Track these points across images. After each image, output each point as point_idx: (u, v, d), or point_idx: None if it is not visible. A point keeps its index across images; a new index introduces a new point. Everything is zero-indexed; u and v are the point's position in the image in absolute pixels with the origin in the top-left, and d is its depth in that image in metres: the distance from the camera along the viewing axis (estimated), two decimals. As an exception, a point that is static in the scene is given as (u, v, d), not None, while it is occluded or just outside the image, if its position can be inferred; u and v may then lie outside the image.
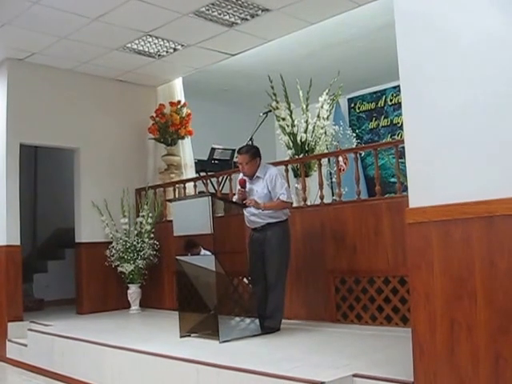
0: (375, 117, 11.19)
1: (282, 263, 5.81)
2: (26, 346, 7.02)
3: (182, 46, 7.76)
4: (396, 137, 10.38)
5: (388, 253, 5.69)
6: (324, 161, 7.16)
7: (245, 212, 5.94)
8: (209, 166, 8.89)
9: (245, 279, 6.62)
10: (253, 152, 5.92)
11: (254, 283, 6.01)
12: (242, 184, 5.86)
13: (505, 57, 3.10)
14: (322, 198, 6.43)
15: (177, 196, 8.29)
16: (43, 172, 10.78)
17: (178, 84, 9.43)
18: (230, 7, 6.68)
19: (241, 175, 6.00)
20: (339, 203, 6.30)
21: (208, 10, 6.68)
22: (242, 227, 6.23)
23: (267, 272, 5.82)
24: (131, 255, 8.14)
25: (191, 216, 5.78)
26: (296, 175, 7.20)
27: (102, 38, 7.35)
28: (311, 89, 7.27)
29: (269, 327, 5.76)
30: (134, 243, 8.20)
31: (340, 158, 7.07)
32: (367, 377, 3.81)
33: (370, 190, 8.97)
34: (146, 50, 7.84)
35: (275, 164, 7.03)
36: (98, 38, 7.30)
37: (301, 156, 7.11)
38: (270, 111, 7.58)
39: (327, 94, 7.37)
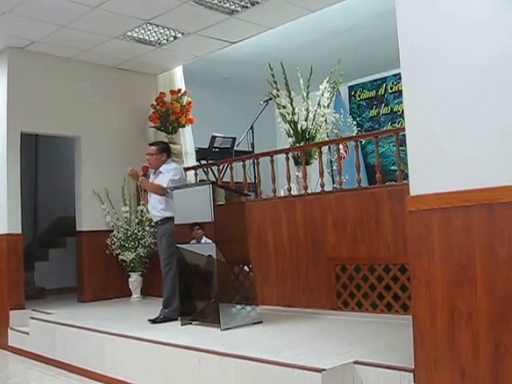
0: (376, 105, 11.17)
1: (171, 257, 6.23)
2: (27, 334, 7.05)
3: (183, 34, 7.74)
4: (396, 125, 10.38)
5: (389, 240, 5.70)
6: (325, 149, 7.14)
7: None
8: (209, 155, 8.89)
9: (245, 267, 6.64)
10: (160, 147, 6.55)
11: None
12: (144, 171, 6.49)
13: (505, 42, 3.09)
14: (322, 185, 6.43)
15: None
16: (44, 160, 10.79)
17: (178, 72, 9.41)
18: (230, -5, 6.67)
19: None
20: (340, 191, 6.30)
21: (208, -3, 6.67)
22: (243, 215, 6.25)
23: (161, 263, 6.38)
24: (132, 243, 8.17)
25: (192, 204, 5.80)
26: (297, 163, 7.19)
27: (102, 27, 7.32)
28: (312, 77, 7.24)
29: (164, 316, 6.13)
30: (135, 231, 8.23)
31: (340, 146, 7.07)
32: (368, 364, 3.83)
33: (371, 177, 8.97)
34: (146, 38, 7.81)
35: (276, 152, 7.06)
36: (98, 26, 7.28)
37: (301, 144, 7.10)
38: (271, 99, 7.59)
39: (328, 81, 7.35)
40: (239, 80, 10.72)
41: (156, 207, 6.38)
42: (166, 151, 6.52)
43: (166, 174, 6.35)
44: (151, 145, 6.67)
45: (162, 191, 6.26)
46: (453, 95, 3.30)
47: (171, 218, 6.18)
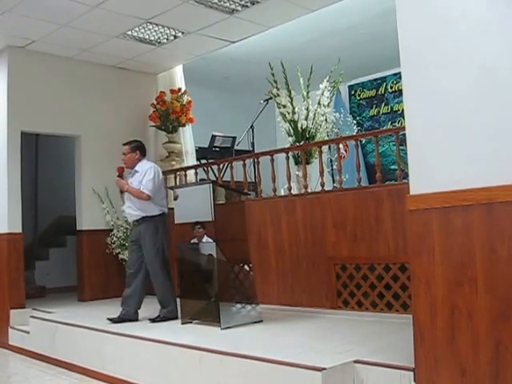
0: (376, 104, 11.17)
1: (157, 257, 6.14)
2: (28, 332, 7.06)
3: (183, 33, 7.74)
4: (396, 124, 10.38)
5: (389, 240, 5.70)
6: (325, 148, 7.14)
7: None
8: (209, 154, 8.90)
9: (246, 266, 6.65)
10: (133, 145, 6.39)
11: (131, 274, 6.31)
12: (119, 172, 6.38)
13: (503, 42, 3.10)
14: (322, 185, 6.44)
15: (178, 183, 8.29)
16: (44, 160, 10.78)
17: (178, 71, 9.42)
18: (230, -6, 6.67)
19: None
20: (340, 190, 6.30)
21: (208, -4, 6.67)
22: (243, 214, 6.25)
23: (147, 266, 6.22)
24: (132, 243, 8.17)
25: (192, 203, 5.81)
26: (297, 162, 7.20)
27: (102, 26, 7.32)
28: (312, 76, 7.24)
29: (164, 316, 6.09)
30: (135, 231, 8.22)
31: (341, 146, 7.06)
32: (368, 363, 3.83)
33: (371, 177, 8.98)
34: (147, 37, 7.81)
35: (276, 152, 7.06)
36: (98, 25, 7.27)
37: (301, 143, 7.10)
38: (271, 98, 7.59)
39: (328, 81, 7.35)
40: (239, 79, 10.72)
41: (133, 205, 6.25)
42: (138, 149, 6.37)
43: (141, 173, 6.23)
44: (124, 144, 6.48)
45: (140, 195, 6.11)
46: (452, 94, 3.30)
47: (153, 217, 6.16)
